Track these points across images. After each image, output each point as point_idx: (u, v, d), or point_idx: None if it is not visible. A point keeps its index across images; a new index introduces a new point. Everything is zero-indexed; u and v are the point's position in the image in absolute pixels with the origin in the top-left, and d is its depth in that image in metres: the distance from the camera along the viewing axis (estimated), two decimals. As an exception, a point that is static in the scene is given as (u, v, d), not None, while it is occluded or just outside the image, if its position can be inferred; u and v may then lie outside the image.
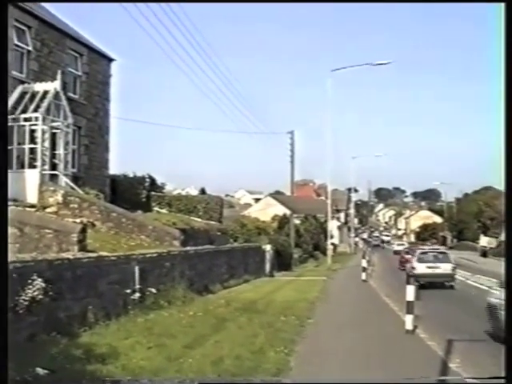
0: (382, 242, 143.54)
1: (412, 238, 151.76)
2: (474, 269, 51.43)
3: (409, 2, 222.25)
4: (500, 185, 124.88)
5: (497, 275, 43.55)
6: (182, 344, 11.89)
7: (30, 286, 11.46)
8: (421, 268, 31.73)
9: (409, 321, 15.13)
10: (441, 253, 35.13)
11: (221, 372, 9.61)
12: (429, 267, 31.67)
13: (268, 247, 40.74)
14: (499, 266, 55.15)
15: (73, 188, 26.91)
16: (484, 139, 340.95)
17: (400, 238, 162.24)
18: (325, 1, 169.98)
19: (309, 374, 9.66)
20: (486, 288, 31.80)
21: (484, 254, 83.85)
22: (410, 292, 15.25)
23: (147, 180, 41.17)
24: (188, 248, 24.61)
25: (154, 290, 17.58)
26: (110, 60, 34.48)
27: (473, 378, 4.39)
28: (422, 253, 35.29)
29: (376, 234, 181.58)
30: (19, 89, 26.17)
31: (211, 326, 14.51)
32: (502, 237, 75.51)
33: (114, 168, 36.88)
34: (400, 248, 74.68)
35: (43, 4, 30.14)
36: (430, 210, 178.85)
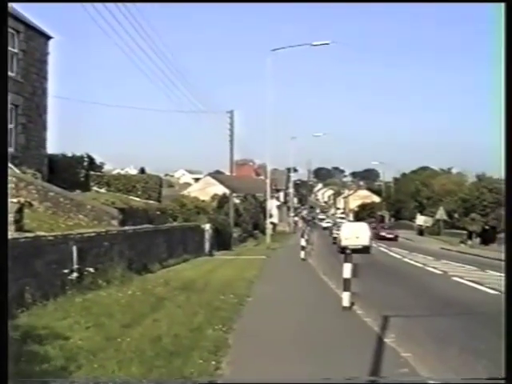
0: (313, 218, 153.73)
1: (351, 217, 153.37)
2: (411, 247, 52.46)
3: (411, 2, 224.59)
4: (437, 166, 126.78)
5: (432, 252, 44.56)
6: (121, 323, 11.85)
7: (-35, 267, 11.28)
8: (336, 233, 53.60)
9: (346, 298, 15.31)
10: None
11: (159, 350, 9.63)
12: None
13: (207, 226, 40.75)
14: (435, 243, 56.97)
15: (10, 167, 26.48)
16: (422, 119, 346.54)
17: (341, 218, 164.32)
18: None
19: (244, 373, 9.67)
20: (421, 265, 32.50)
21: (420, 232, 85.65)
22: (347, 270, 15.40)
23: (86, 159, 40.80)
24: (127, 227, 24.48)
25: (92, 270, 17.45)
26: (48, 38, 33.91)
27: (473, 379, 4.49)
28: (337, 226, 63.39)
29: (321, 215, 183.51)
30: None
31: (150, 305, 14.48)
32: (438, 215, 76.94)
33: (52, 147, 36.45)
34: (328, 225, 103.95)
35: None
36: (369, 189, 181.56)
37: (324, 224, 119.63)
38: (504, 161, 5.83)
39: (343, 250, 31.17)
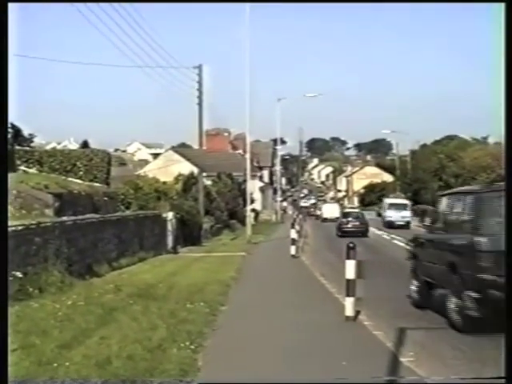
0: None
1: (355, 201, 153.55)
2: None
3: (411, 2, 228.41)
4: (467, 134, 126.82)
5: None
6: (57, 343, 11.75)
7: None
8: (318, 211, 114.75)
9: (349, 305, 15.18)
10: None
11: (108, 376, 9.54)
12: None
13: (170, 215, 40.73)
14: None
15: None
16: (448, 74, 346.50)
17: (339, 201, 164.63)
18: None
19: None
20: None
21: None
22: (350, 268, 15.18)
23: (9, 131, 40.49)
24: (65, 218, 24.35)
25: (19, 275, 17.34)
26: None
27: (473, 379, 4.50)
28: (318, 207, 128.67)
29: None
30: None
31: (96, 318, 14.40)
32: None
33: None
34: (307, 204, 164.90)
35: None
36: (378, 165, 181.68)
37: (302, 203, 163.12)
38: (504, 155, 5.86)
39: (324, 219, 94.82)
